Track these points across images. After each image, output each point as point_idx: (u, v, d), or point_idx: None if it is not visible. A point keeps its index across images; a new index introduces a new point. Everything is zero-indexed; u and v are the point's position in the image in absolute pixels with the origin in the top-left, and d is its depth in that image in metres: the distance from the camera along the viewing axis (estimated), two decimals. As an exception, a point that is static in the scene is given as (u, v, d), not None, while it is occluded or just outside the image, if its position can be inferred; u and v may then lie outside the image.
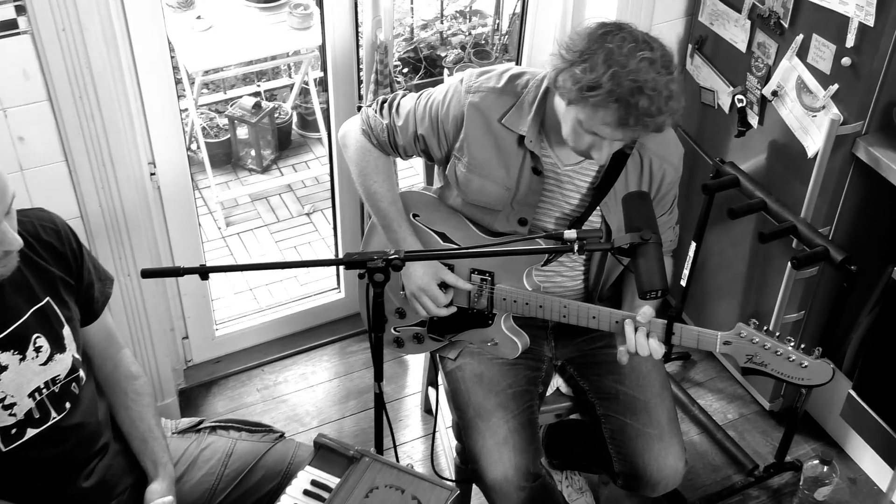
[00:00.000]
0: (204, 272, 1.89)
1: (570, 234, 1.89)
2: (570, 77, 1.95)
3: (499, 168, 2.21)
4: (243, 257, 3.94)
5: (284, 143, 4.52)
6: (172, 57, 2.82)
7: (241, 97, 4.41)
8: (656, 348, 2.12)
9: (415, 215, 2.36)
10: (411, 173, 4.25)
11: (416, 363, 3.32)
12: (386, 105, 2.30)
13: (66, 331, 1.95)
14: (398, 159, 2.40)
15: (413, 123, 2.26)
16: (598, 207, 2.22)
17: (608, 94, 1.91)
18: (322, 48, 2.95)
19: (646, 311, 2.12)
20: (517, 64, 3.28)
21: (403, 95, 2.32)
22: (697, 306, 3.33)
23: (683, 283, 3.04)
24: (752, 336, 2.07)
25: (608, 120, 1.95)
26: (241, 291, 3.74)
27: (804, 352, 2.06)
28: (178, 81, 3.74)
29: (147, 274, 1.95)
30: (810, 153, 2.66)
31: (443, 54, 4.76)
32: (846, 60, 2.47)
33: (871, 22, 2.38)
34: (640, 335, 2.12)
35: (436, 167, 2.42)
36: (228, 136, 4.38)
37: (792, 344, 2.05)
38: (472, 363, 2.37)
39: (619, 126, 1.95)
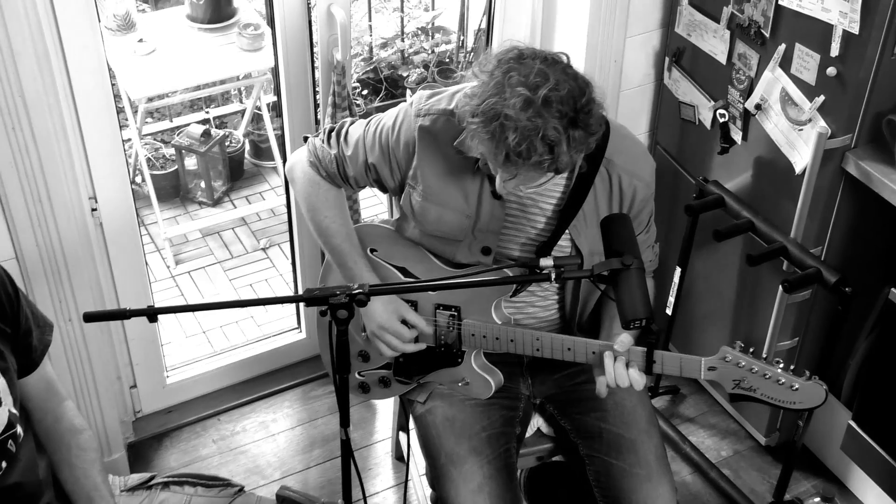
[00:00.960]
0: (152, 314, 1.88)
1: (547, 261, 1.89)
2: (463, 98, 2.00)
3: (456, 195, 2.22)
4: (195, 297, 3.92)
5: (236, 173, 4.51)
6: (113, 84, 2.82)
7: (188, 125, 4.40)
8: (637, 378, 2.12)
9: (372, 250, 2.36)
10: (374, 202, 4.26)
11: (386, 407, 3.30)
12: (333, 134, 2.31)
13: (2, 383, 1.92)
14: (353, 190, 2.40)
15: (363, 152, 2.26)
16: (566, 230, 2.23)
17: (482, 124, 1.94)
18: (275, 70, 2.96)
19: (624, 339, 2.13)
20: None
21: (352, 123, 2.33)
22: (684, 335, 3.34)
23: (669, 311, 3.05)
24: (737, 360, 2.08)
25: (487, 151, 1.98)
26: (193, 334, 3.71)
27: (794, 373, 2.07)
28: (119, 110, 3.73)
29: (90, 318, 1.93)
30: (798, 169, 2.69)
31: (405, 74, 4.79)
32: (832, 70, 2.51)
33: (855, 29, 2.42)
34: (619, 365, 2.12)
35: (392, 198, 2.43)
36: (176, 167, 4.36)
37: (781, 366, 2.07)
38: (442, 406, 2.36)
39: (494, 160, 1.97)
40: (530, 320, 2.36)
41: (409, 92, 4.65)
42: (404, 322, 2.29)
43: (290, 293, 3.70)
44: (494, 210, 2.22)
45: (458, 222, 2.24)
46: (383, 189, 2.34)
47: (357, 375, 2.46)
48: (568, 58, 2.01)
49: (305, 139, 2.35)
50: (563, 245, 2.25)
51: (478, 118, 1.94)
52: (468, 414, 2.34)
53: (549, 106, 1.90)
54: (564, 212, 2.22)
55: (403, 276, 2.33)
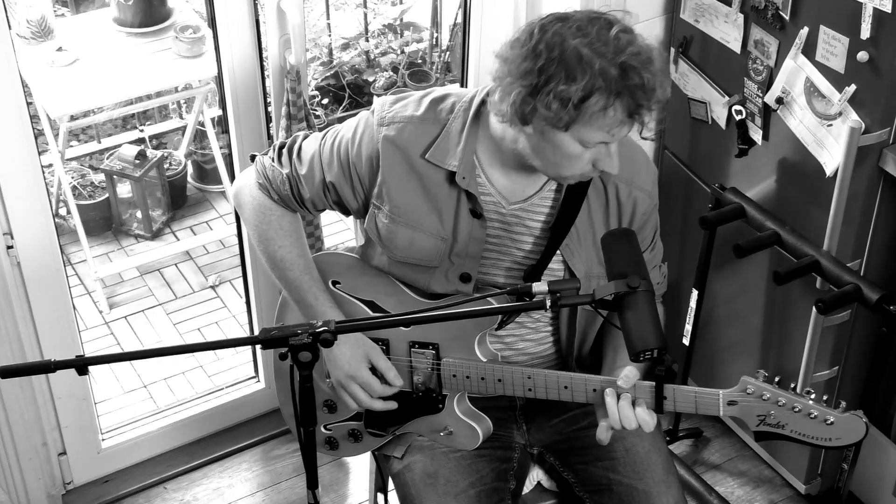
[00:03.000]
0: (82, 365, 1.87)
1: (540, 287, 1.89)
2: (552, 99, 1.97)
3: (429, 214, 2.22)
4: (133, 346, 3.90)
5: (178, 200, 4.50)
6: (29, 103, 2.82)
7: (119, 146, 4.40)
8: (645, 418, 2.12)
9: (334, 282, 2.35)
10: (340, 227, 4.26)
11: (360, 465, 3.29)
12: (285, 151, 2.31)
13: None
14: (310, 215, 2.41)
15: (319, 170, 2.27)
16: (557, 251, 2.24)
17: (607, 90, 1.95)
18: (219, 79, 2.97)
19: (628, 373, 2.13)
20: (463, 84, 3.32)
21: (305, 137, 2.33)
22: (705, 369, 3.35)
23: (686, 340, 3.06)
24: (761, 391, 2.08)
25: (619, 118, 1.99)
26: (132, 389, 3.69)
27: (828, 405, 2.08)
28: (38, 133, 3.73)
29: (7, 373, 1.92)
30: (829, 171, 2.71)
31: (371, 79, 4.80)
32: (863, 55, 2.53)
33: (888, 7, 2.44)
34: (625, 404, 2.12)
35: (356, 221, 2.43)
36: (106, 195, 4.35)
37: (812, 397, 2.07)
38: (422, 460, 2.35)
39: (630, 117, 2.00)
40: (521, 357, 2.36)
41: (376, 99, 4.66)
42: (374, 369, 2.29)
43: (245, 336, 3.68)
44: (474, 230, 2.22)
45: (432, 246, 2.24)
46: (345, 212, 2.34)
47: (323, 429, 2.45)
48: None
49: (252, 158, 2.36)
50: (555, 268, 2.25)
51: (594, 96, 1.94)
52: (453, 468, 2.33)
53: (626, 28, 1.98)
54: (555, 230, 2.22)
55: (371, 310, 2.33)
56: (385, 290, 2.32)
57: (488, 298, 2.15)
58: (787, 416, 2.08)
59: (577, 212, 2.21)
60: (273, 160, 2.31)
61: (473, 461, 2.35)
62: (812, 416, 2.07)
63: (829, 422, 2.06)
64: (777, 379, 2.10)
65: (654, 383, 2.13)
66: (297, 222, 2.35)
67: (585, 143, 2.03)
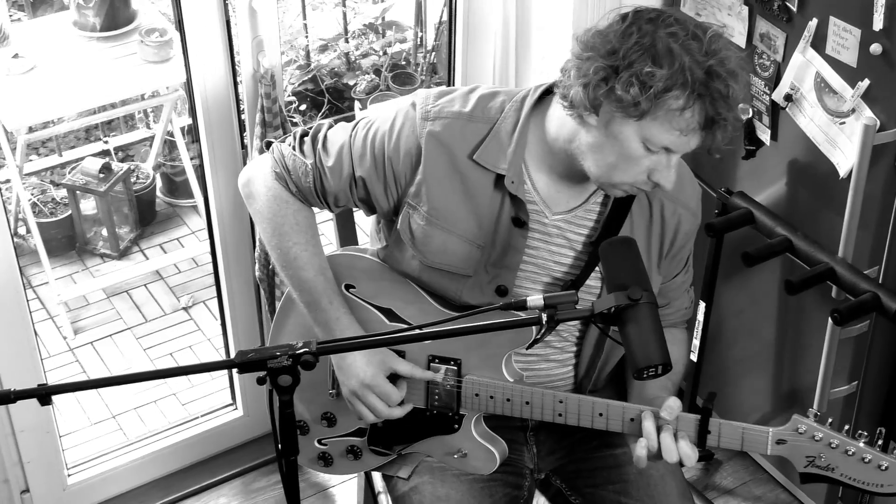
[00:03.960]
0: (45, 395, 1.86)
1: (536, 300, 1.89)
2: (634, 81, 1.98)
3: (467, 219, 2.22)
4: (100, 373, 3.90)
5: (147, 216, 4.50)
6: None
7: (82, 159, 4.40)
8: (688, 452, 2.11)
9: (348, 286, 2.34)
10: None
11: (347, 494, 3.28)
12: (308, 139, 2.29)
13: None
14: (326, 210, 2.39)
15: (349, 162, 2.25)
16: (596, 268, 2.24)
17: (690, 88, 1.97)
18: (188, 85, 2.96)
19: (672, 404, 2.11)
20: (450, 86, 3.32)
21: (330, 126, 2.32)
22: (714, 388, 3.35)
23: (694, 356, 3.06)
24: (813, 431, 2.08)
25: (695, 122, 2.00)
26: (100, 421, 3.68)
27: (884, 450, 2.08)
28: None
29: (-34, 404, 1.91)
30: (842, 172, 2.72)
31: (351, 83, 4.81)
32: (876, 48, 2.54)
33: (901, -4, 2.46)
34: (666, 436, 2.11)
35: (373, 221, 2.42)
36: (69, 212, 4.35)
37: (865, 440, 2.07)
38: (432, 483, 2.34)
39: (704, 128, 2.02)
40: (542, 378, 2.35)
41: (357, 104, 4.67)
42: (393, 377, 2.29)
43: (220, 359, 3.68)
44: (513, 239, 2.22)
45: (464, 253, 2.24)
46: (371, 210, 2.32)
47: (317, 444, 2.43)
48: None
49: (268, 145, 2.35)
50: (593, 286, 2.26)
51: (673, 91, 1.96)
52: (464, 493, 2.32)
53: (721, 35, 2.03)
54: (596, 245, 2.22)
55: (388, 319, 2.32)
56: (406, 298, 2.31)
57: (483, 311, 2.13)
58: (838, 458, 2.08)
59: (619, 228, 2.22)
60: (294, 149, 2.29)
61: (486, 486, 2.34)
62: (866, 460, 2.07)
63: (883, 467, 2.07)
64: (830, 421, 2.10)
65: (698, 416, 2.12)
66: (312, 218, 2.34)
67: (650, 145, 2.04)
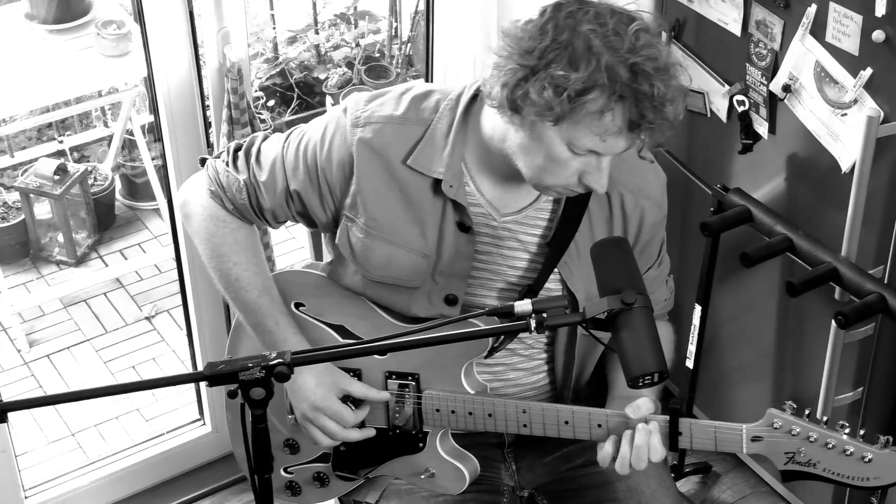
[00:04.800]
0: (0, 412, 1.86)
1: (523, 305, 1.90)
2: (547, 85, 1.95)
3: (409, 228, 2.22)
4: (57, 387, 3.88)
5: (106, 220, 4.49)
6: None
7: (36, 161, 4.38)
8: (658, 447, 2.11)
9: (298, 305, 2.35)
10: (294, 246, 4.25)
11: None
12: (241, 154, 2.30)
13: None
14: (267, 228, 2.40)
15: (282, 176, 2.26)
16: (555, 269, 2.24)
17: (610, 89, 1.93)
18: (149, 80, 2.96)
19: (641, 403, 2.13)
20: (428, 80, 3.32)
21: (265, 138, 2.32)
22: (712, 396, 3.36)
23: (690, 363, 3.07)
24: (790, 426, 2.09)
25: (616, 125, 1.97)
26: (58, 439, 3.67)
27: (866, 440, 2.09)
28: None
29: (-84, 422, 1.90)
30: (845, 166, 2.73)
31: (322, 77, 4.81)
32: (878, 35, 2.55)
33: (905, -20, 2.47)
34: (642, 437, 2.11)
35: (323, 236, 2.43)
36: (22, 217, 4.33)
37: (847, 431, 2.08)
38: (401, 506, 2.35)
39: (630, 130, 1.98)
40: (511, 388, 2.36)
41: (329, 99, 4.67)
42: (346, 399, 2.29)
43: (187, 372, 3.67)
44: (460, 246, 2.23)
45: (412, 264, 2.24)
46: (311, 224, 2.33)
47: (283, 473, 2.44)
48: None
49: (203, 162, 2.35)
50: (552, 288, 2.26)
51: (592, 92, 1.93)
52: (435, 516, 2.33)
53: (648, 29, 1.98)
54: (552, 246, 2.23)
55: (341, 336, 2.32)
56: (357, 313, 2.31)
57: (471, 320, 2.13)
58: (819, 453, 2.08)
59: (576, 225, 2.22)
60: (227, 164, 2.30)
61: (458, 507, 2.35)
62: (848, 452, 2.07)
63: (866, 459, 2.07)
64: (807, 412, 2.10)
65: (667, 417, 2.13)
66: (253, 236, 2.35)
67: (574, 148, 2.01)
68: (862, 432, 2.10)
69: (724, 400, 3.34)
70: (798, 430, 2.08)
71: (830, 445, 2.07)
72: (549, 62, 1.95)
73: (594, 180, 2.07)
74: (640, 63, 1.93)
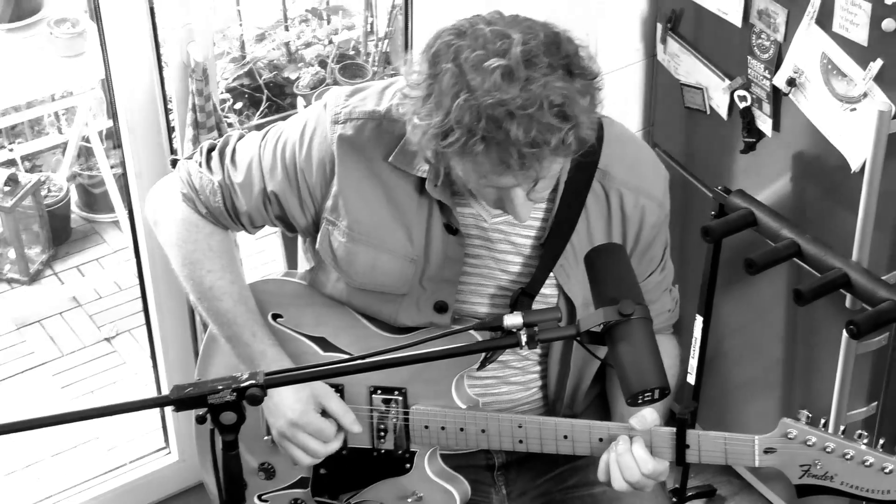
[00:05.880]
0: (-49, 441, 1.85)
1: (514, 319, 1.90)
2: (418, 127, 1.98)
3: (395, 231, 2.22)
4: (10, 416, 3.86)
5: (61, 234, 4.48)
6: None
7: (-15, 170, 4.38)
8: (654, 467, 2.11)
9: (276, 316, 2.35)
10: (264, 259, 4.24)
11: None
12: (215, 154, 2.30)
13: None
14: (244, 231, 2.40)
15: (259, 177, 2.26)
16: (551, 274, 2.25)
17: (468, 135, 1.92)
18: (107, 82, 2.95)
19: (647, 413, 2.13)
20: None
21: (240, 137, 2.32)
22: (715, 414, 3.36)
23: (691, 378, 3.07)
24: (805, 436, 2.09)
25: (486, 169, 1.97)
26: (12, 472, 3.66)
27: (885, 450, 2.09)
28: None
29: None
30: (855, 165, 2.74)
31: (293, 76, 4.80)
32: (889, 23, 2.56)
33: (916, -35, 2.49)
34: (639, 450, 2.12)
35: (300, 241, 2.43)
36: (-29, 231, 4.33)
37: (865, 441, 2.08)
38: (385, 535, 2.35)
39: (507, 171, 1.96)
40: (503, 404, 2.36)
41: (301, 101, 4.67)
42: (326, 413, 2.29)
43: (151, 396, 3.66)
44: (449, 249, 2.23)
45: (398, 269, 2.24)
46: (290, 228, 2.33)
47: (258, 501, 2.43)
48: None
49: (174, 163, 2.35)
50: (548, 294, 2.26)
51: (453, 135, 1.92)
52: (422, 543, 2.33)
53: (534, 64, 1.92)
54: (548, 247, 2.23)
55: (322, 349, 2.32)
56: (339, 324, 2.32)
57: (472, 331, 2.12)
58: (836, 465, 2.09)
59: (573, 225, 2.22)
60: (200, 165, 2.30)
61: (446, 533, 2.35)
62: (867, 463, 2.07)
63: (887, 470, 2.07)
64: (823, 421, 2.10)
65: (673, 429, 2.13)
66: (228, 242, 2.35)
67: (469, 182, 2.04)
68: (881, 441, 2.10)
69: (728, 418, 3.34)
70: (814, 440, 2.09)
71: (849, 456, 2.08)
72: (421, 99, 1.97)
73: (511, 211, 2.07)
74: (492, 107, 1.89)
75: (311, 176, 2.23)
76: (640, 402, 1.91)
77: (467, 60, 1.92)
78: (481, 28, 1.95)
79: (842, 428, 2.09)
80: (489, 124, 1.90)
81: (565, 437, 2.21)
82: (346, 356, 2.26)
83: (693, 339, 3.04)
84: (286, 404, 2.26)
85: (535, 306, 2.24)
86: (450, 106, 1.91)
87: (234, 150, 2.29)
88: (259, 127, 4.62)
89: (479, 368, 2.29)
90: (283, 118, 2.38)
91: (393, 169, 2.19)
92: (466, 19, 2.00)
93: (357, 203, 2.21)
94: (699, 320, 3.01)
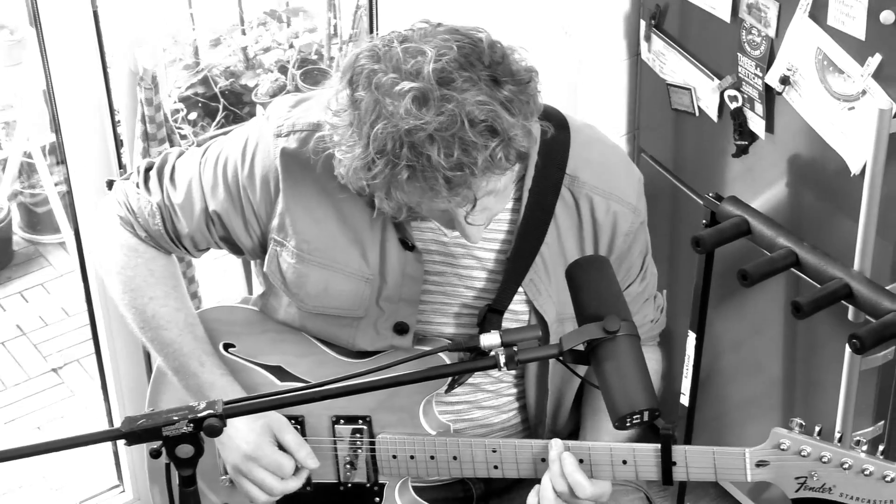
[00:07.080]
0: None
1: (491, 339, 1.89)
2: (342, 162, 1.99)
3: (348, 249, 2.22)
4: (-47, 456, 3.86)
5: (3, 257, 4.47)
6: None
7: (-81, 190, 4.37)
8: (582, 483, 2.12)
9: (227, 346, 2.35)
10: (225, 281, 4.24)
11: None
12: (153, 173, 2.30)
13: None
14: (190, 259, 2.40)
15: (200, 197, 2.26)
16: (520, 289, 2.25)
17: (392, 164, 1.92)
18: (48, 93, 2.95)
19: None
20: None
21: (180, 154, 2.32)
22: (712, 435, 3.36)
23: (685, 399, 3.07)
24: (799, 446, 2.10)
25: (416, 198, 1.98)
26: (-46, 514, 3.65)
27: (886, 458, 2.09)
28: None
29: None
30: (854, 168, 2.75)
31: (251, 84, 4.80)
32: (887, 15, 2.57)
33: (915, -48, 2.50)
34: (554, 468, 2.12)
35: (253, 264, 2.42)
36: None
37: (864, 449, 2.09)
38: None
39: (437, 196, 1.96)
40: (477, 430, 2.36)
41: (259, 110, 4.67)
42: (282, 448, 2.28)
43: (102, 429, 3.66)
44: (407, 267, 2.23)
45: (353, 290, 2.24)
46: (236, 251, 2.33)
47: (219, 542, 2.43)
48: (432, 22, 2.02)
49: (110, 185, 2.35)
50: (518, 310, 2.26)
51: (375, 167, 1.93)
52: (395, 583, 2.33)
53: (451, 80, 1.91)
54: (514, 261, 2.23)
55: (279, 379, 2.32)
56: (295, 351, 2.32)
57: (440, 354, 2.14)
58: (834, 475, 2.09)
59: (542, 236, 2.22)
60: (138, 186, 2.30)
61: (421, 573, 2.35)
62: (867, 472, 2.08)
63: (888, 479, 2.07)
64: (818, 429, 2.11)
65: (658, 446, 2.13)
66: (172, 267, 2.35)
67: (387, 209, 2.04)
68: (881, 447, 2.11)
69: (725, 441, 3.34)
70: (809, 449, 2.09)
71: (847, 465, 2.08)
72: (344, 128, 1.97)
73: (461, 233, 2.08)
74: (409, 133, 1.90)
75: (255, 194, 2.22)
76: (627, 425, 1.91)
77: (381, 87, 1.92)
78: (395, 48, 1.94)
79: (838, 435, 2.10)
80: (410, 151, 1.90)
81: (543, 460, 2.20)
82: (306, 384, 2.26)
83: (686, 358, 3.04)
84: (239, 436, 2.25)
85: (504, 324, 2.24)
86: (370, 135, 1.91)
87: (173, 169, 2.29)
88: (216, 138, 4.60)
89: (448, 391, 2.29)
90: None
91: (341, 183, 2.18)
92: (382, 37, 2.00)
93: (305, 221, 2.21)
94: (692, 337, 3.01)
